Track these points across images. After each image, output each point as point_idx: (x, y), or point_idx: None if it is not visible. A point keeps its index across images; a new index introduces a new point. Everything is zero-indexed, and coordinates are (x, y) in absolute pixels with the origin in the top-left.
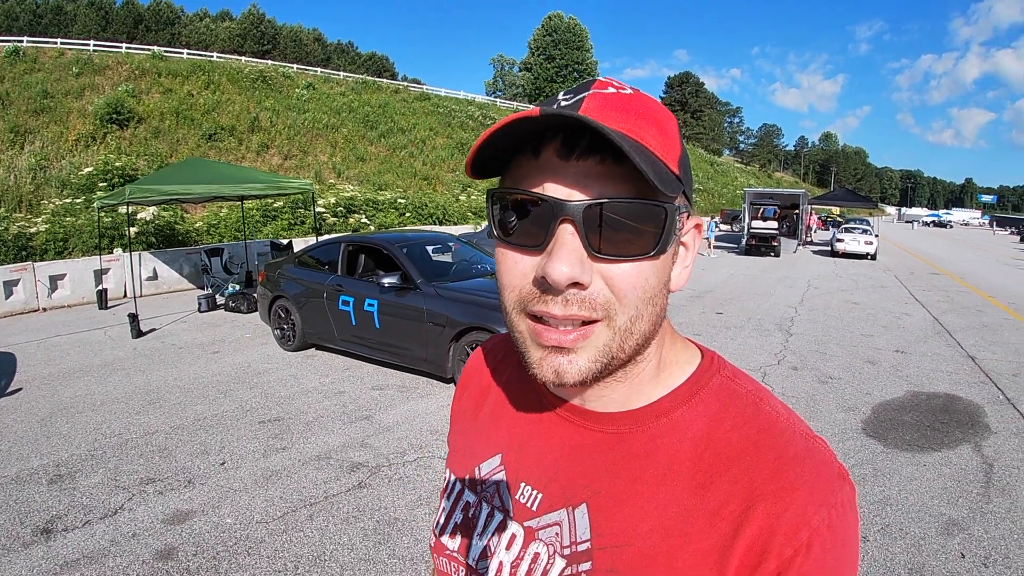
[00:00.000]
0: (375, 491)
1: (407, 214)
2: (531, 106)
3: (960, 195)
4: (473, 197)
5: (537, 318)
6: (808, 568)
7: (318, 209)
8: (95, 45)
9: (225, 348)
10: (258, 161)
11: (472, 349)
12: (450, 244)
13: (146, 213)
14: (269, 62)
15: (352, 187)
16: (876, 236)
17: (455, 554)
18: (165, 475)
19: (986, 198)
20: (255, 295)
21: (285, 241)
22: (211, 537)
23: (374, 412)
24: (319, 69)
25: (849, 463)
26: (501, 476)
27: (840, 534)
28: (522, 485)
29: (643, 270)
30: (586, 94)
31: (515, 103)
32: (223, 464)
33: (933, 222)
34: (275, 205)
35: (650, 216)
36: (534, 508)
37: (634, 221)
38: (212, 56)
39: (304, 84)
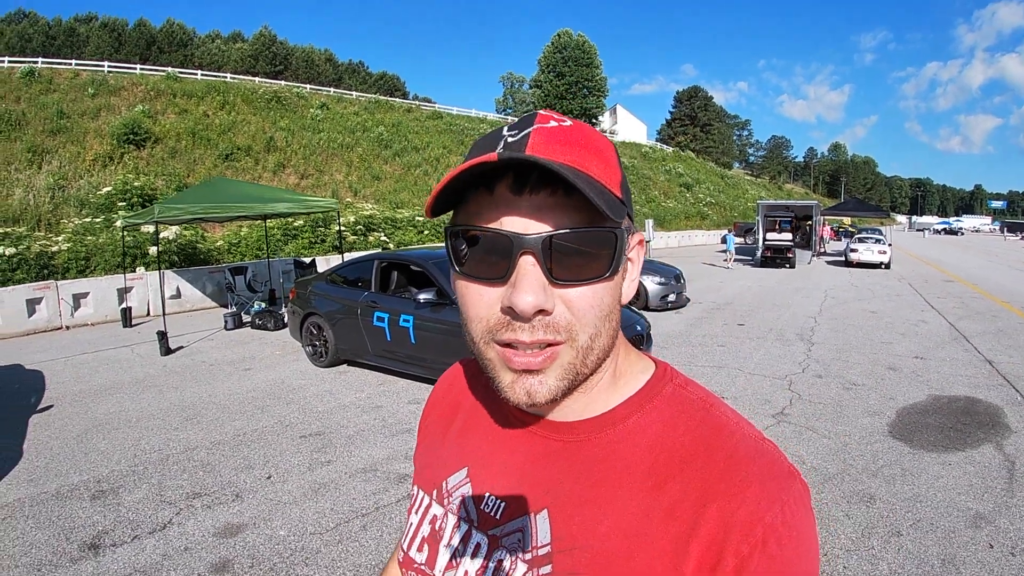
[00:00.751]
0: None
1: (425, 231)
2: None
3: (970, 202)
4: None
5: (505, 344)
6: (766, 564)
7: (338, 227)
8: (110, 66)
9: (256, 365)
10: (275, 180)
11: None
12: None
13: (168, 232)
14: (283, 83)
15: (371, 206)
16: (889, 245)
17: (423, 567)
18: (211, 490)
19: (996, 204)
20: (281, 312)
21: (308, 259)
22: (266, 549)
23: (413, 425)
24: (332, 89)
25: (878, 464)
26: (467, 488)
27: (794, 530)
28: (487, 495)
29: (599, 291)
30: (531, 129)
31: None
32: (269, 478)
33: (944, 230)
34: (295, 224)
35: (603, 241)
36: (498, 517)
37: (588, 247)
38: (226, 77)
39: (318, 104)
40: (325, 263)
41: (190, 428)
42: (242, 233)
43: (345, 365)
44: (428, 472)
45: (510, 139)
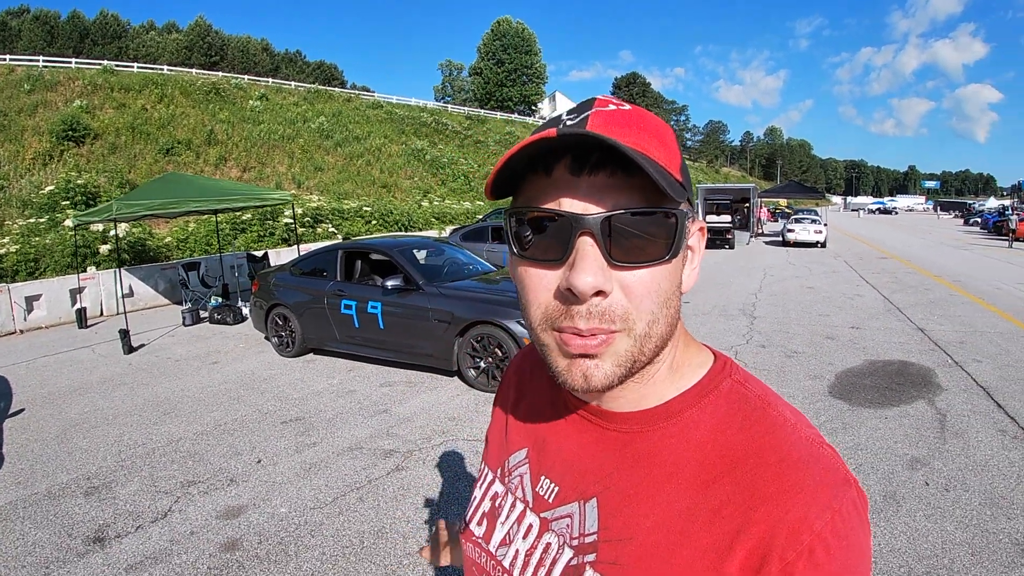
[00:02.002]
0: (414, 472)
1: (373, 222)
2: (481, 111)
3: (904, 182)
4: (435, 203)
5: (562, 330)
6: (812, 573)
7: (287, 220)
8: (44, 61)
9: (223, 358)
10: (217, 174)
11: (477, 343)
12: (442, 247)
13: (118, 230)
14: (220, 74)
15: (317, 197)
16: (825, 225)
17: (479, 540)
18: (204, 477)
19: (929, 184)
20: (239, 306)
21: (260, 253)
22: (271, 526)
23: (390, 406)
24: (270, 79)
25: (819, 420)
26: (525, 469)
27: (845, 539)
28: (542, 478)
29: (657, 275)
30: (589, 112)
31: (466, 108)
32: (259, 462)
33: (879, 209)
34: (244, 217)
35: (662, 223)
36: (550, 500)
37: (648, 229)
38: (163, 69)
39: (257, 95)
40: (276, 256)
41: (169, 421)
42: (191, 228)
43: (312, 354)
44: (494, 449)
45: (569, 122)
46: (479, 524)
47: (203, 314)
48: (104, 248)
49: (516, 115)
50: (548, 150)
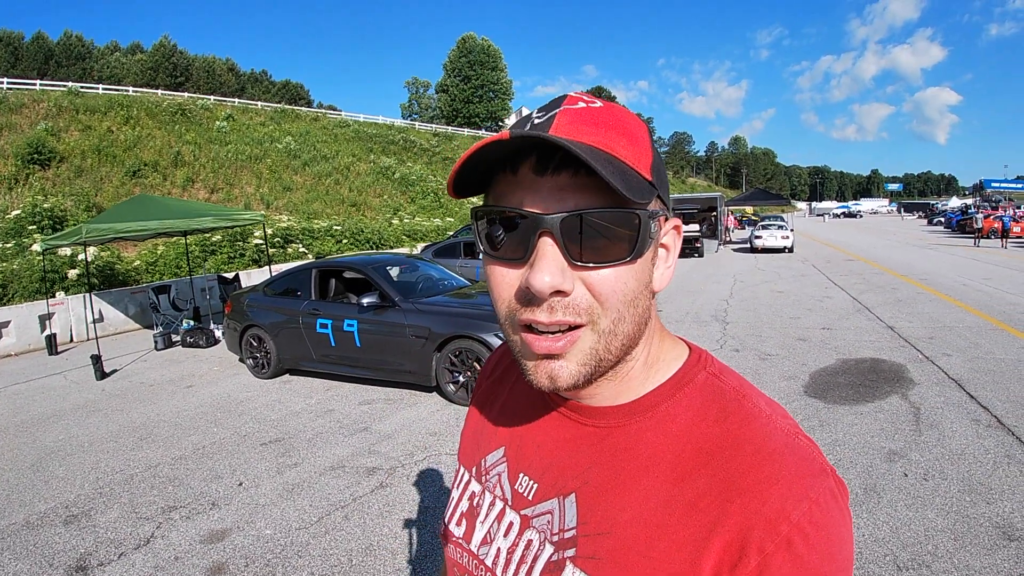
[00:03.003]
0: (398, 488)
1: (344, 241)
2: (448, 128)
3: (867, 186)
4: (405, 221)
5: (528, 327)
6: (791, 564)
7: (257, 240)
8: (8, 83)
9: (197, 382)
10: (185, 196)
11: (455, 357)
12: (416, 263)
13: (87, 254)
14: (186, 95)
15: (287, 217)
16: (791, 231)
17: (460, 540)
18: (185, 501)
19: (892, 187)
20: (211, 329)
21: (231, 275)
22: (256, 548)
23: (370, 424)
24: (236, 100)
25: (797, 419)
26: (503, 467)
27: (824, 529)
28: (521, 475)
29: (621, 274)
30: (557, 111)
31: (433, 125)
32: (240, 485)
33: (844, 213)
34: (213, 239)
35: (624, 223)
36: (530, 497)
37: (610, 229)
38: (128, 90)
39: (223, 116)
40: (247, 277)
41: (147, 447)
42: (160, 251)
43: (288, 375)
44: (470, 449)
45: (536, 120)
46: (458, 524)
47: (175, 338)
48: (73, 273)
49: (483, 131)
50: (515, 150)
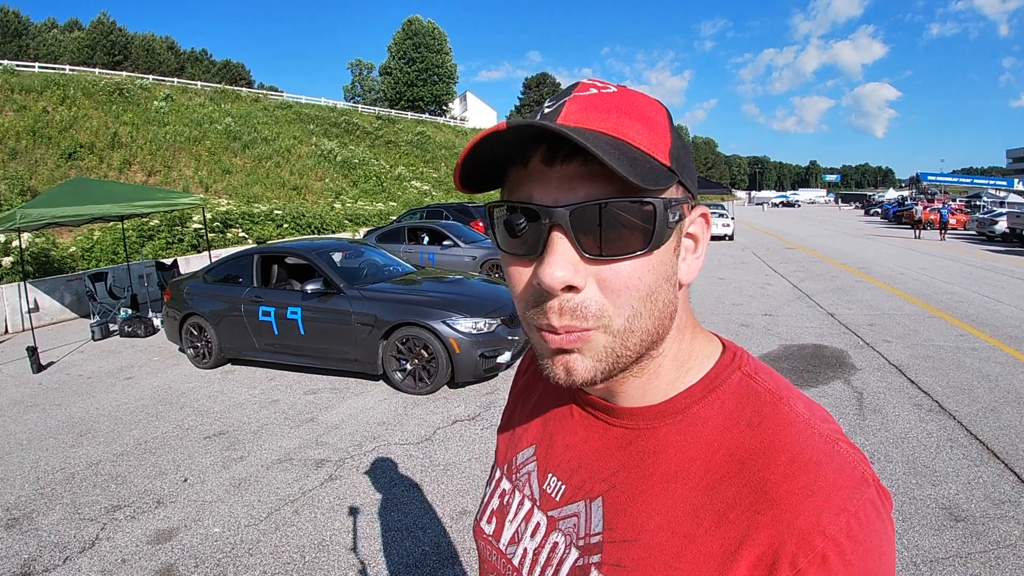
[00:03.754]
0: (348, 480)
1: (285, 225)
2: (392, 111)
3: (806, 176)
4: (347, 205)
5: (539, 328)
6: None
7: (196, 225)
8: None
9: (137, 373)
10: (122, 179)
11: (402, 345)
12: (360, 249)
13: (21, 241)
14: (124, 74)
15: (226, 201)
16: (732, 219)
17: (490, 538)
18: (129, 500)
19: (830, 178)
20: (149, 317)
21: (170, 261)
22: (205, 547)
23: (316, 414)
24: (175, 79)
25: None
26: (533, 466)
27: (863, 544)
28: (550, 476)
29: (637, 268)
30: (567, 99)
31: (376, 108)
32: (186, 481)
33: (783, 203)
34: (151, 224)
35: (638, 213)
36: (558, 499)
37: (623, 219)
38: (64, 69)
39: (162, 96)
40: (186, 263)
41: (87, 443)
42: (96, 237)
43: (230, 364)
44: (503, 446)
45: (547, 110)
46: (488, 522)
47: (113, 327)
48: (7, 260)
49: (427, 115)
50: (525, 140)
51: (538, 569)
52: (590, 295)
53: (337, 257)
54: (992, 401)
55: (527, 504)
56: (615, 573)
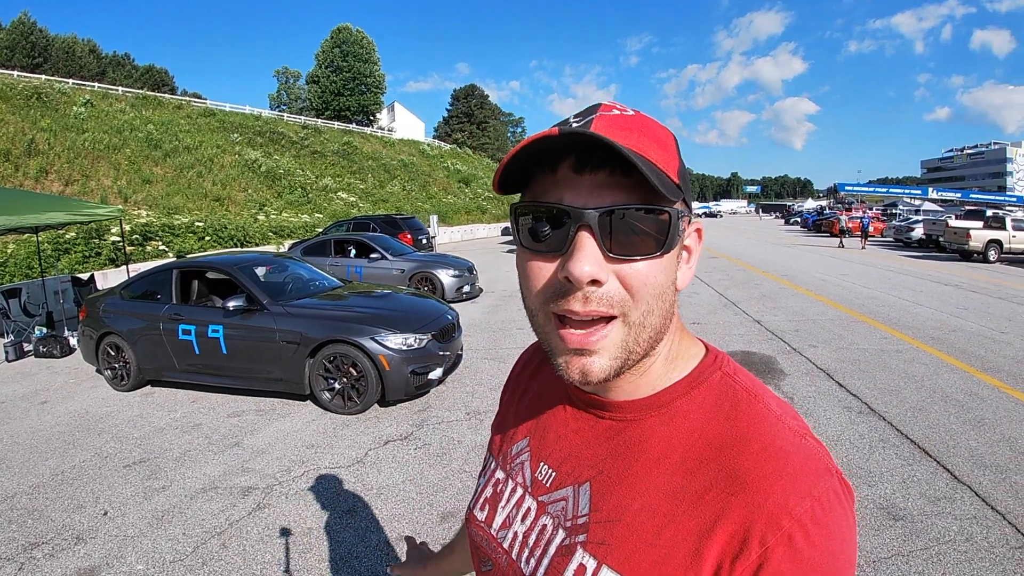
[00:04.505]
0: (277, 509)
1: (207, 238)
2: (319, 120)
3: (727, 187)
4: (272, 216)
5: (561, 319)
6: (791, 558)
7: (114, 238)
8: None
9: (53, 397)
10: (38, 188)
11: (329, 363)
12: (285, 263)
13: None
14: (43, 77)
15: (145, 212)
16: None
17: (482, 524)
18: (47, 536)
19: (751, 188)
20: (66, 336)
21: (87, 275)
22: None
23: (241, 438)
24: (96, 84)
25: None
26: (527, 456)
27: (825, 527)
28: (542, 464)
29: (652, 268)
30: (594, 116)
31: (303, 117)
32: (106, 514)
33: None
34: (67, 236)
35: (656, 220)
36: (548, 484)
37: (642, 225)
38: None
39: (82, 101)
40: (104, 278)
41: (1, 475)
42: (10, 250)
43: (150, 386)
44: (498, 439)
45: (575, 124)
46: (481, 509)
47: (27, 347)
48: None
49: (354, 125)
50: (554, 150)
51: (527, 550)
52: (612, 288)
53: (260, 271)
54: (919, 400)
55: (519, 491)
56: (600, 551)
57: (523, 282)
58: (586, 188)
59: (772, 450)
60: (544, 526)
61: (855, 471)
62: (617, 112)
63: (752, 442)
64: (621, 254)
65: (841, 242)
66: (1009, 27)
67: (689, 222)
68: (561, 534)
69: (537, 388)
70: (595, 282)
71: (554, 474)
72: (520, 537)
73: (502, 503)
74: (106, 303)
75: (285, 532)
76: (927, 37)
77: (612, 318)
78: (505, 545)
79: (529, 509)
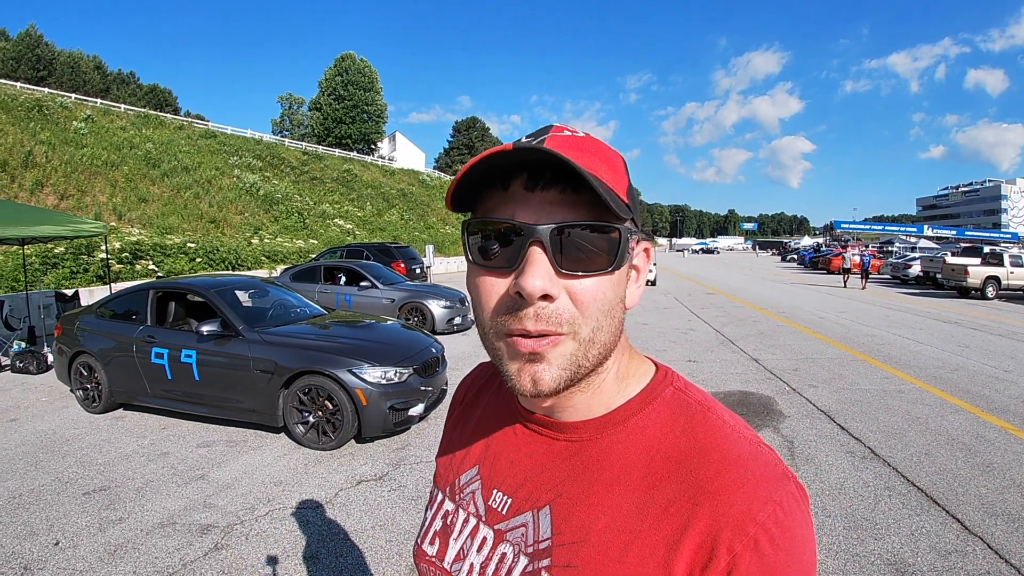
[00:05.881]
0: (235, 551)
1: (198, 259)
2: (320, 147)
3: (724, 224)
4: (266, 240)
5: (512, 334)
6: (758, 563)
7: (102, 255)
8: None
9: (22, 415)
10: (32, 201)
11: (304, 395)
12: (267, 288)
13: None
14: (47, 90)
15: (138, 231)
16: (655, 265)
17: (433, 559)
18: None
19: (748, 225)
20: (44, 353)
21: (71, 292)
22: None
23: (207, 470)
24: (99, 100)
25: None
26: (477, 485)
27: (788, 531)
28: (495, 492)
29: (601, 284)
30: (546, 136)
31: (304, 143)
32: (57, 544)
33: (702, 249)
34: (56, 251)
35: (606, 237)
36: (504, 512)
37: (593, 241)
38: None
39: (83, 116)
40: (89, 295)
41: None
42: None
43: (122, 409)
44: (443, 470)
45: (527, 142)
46: (431, 544)
47: (5, 361)
48: None
49: (355, 153)
50: (506, 168)
51: None
52: (563, 304)
53: (243, 296)
54: (925, 444)
55: (472, 520)
56: (566, 573)
57: (475, 299)
58: (537, 205)
59: (731, 459)
60: (503, 554)
61: (860, 523)
62: (568, 133)
63: (711, 453)
64: (572, 270)
65: (845, 282)
66: (1003, 66)
67: (638, 241)
68: (523, 560)
69: (483, 413)
70: (547, 297)
71: (510, 500)
72: (477, 568)
73: (454, 535)
74: (82, 321)
75: None
76: (922, 76)
77: (562, 334)
78: None
79: (485, 539)
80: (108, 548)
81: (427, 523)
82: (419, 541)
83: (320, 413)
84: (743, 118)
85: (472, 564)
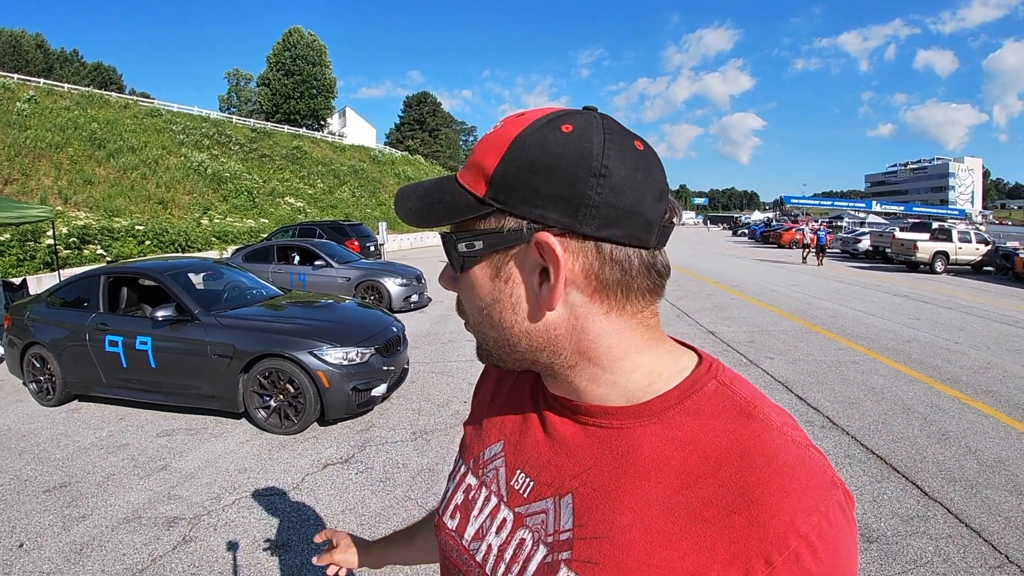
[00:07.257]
0: (204, 543)
1: (147, 242)
2: (268, 123)
3: (676, 199)
4: (215, 221)
5: None
6: None
7: (49, 241)
8: None
9: None
10: None
11: (265, 379)
12: (221, 270)
13: None
14: None
15: (84, 214)
16: None
17: (453, 533)
18: None
19: (699, 200)
20: None
21: (19, 280)
22: None
23: (169, 460)
24: (42, 80)
25: None
26: (501, 462)
27: (832, 543)
28: (518, 472)
29: (465, 287)
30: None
31: (252, 120)
32: (21, 546)
33: None
34: (0, 238)
35: (445, 244)
36: (525, 495)
37: (446, 248)
38: None
39: (26, 97)
40: (38, 283)
41: None
42: None
43: (77, 401)
44: (469, 441)
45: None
46: (452, 517)
47: None
48: None
49: (304, 129)
50: None
51: (503, 566)
52: (460, 301)
53: (196, 279)
54: (882, 413)
55: (493, 500)
56: (586, 569)
57: None
58: None
59: (776, 464)
60: (522, 540)
61: None
62: (493, 129)
63: (755, 456)
64: (453, 274)
65: (804, 257)
66: (952, 48)
67: (521, 235)
68: (542, 550)
69: (512, 386)
70: (452, 290)
71: (532, 484)
72: (495, 550)
73: (475, 512)
74: (32, 311)
75: (212, 571)
76: (872, 56)
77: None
78: (478, 558)
79: (505, 520)
80: (74, 547)
81: (449, 495)
82: (440, 512)
83: (281, 397)
84: (694, 94)
85: (490, 545)
